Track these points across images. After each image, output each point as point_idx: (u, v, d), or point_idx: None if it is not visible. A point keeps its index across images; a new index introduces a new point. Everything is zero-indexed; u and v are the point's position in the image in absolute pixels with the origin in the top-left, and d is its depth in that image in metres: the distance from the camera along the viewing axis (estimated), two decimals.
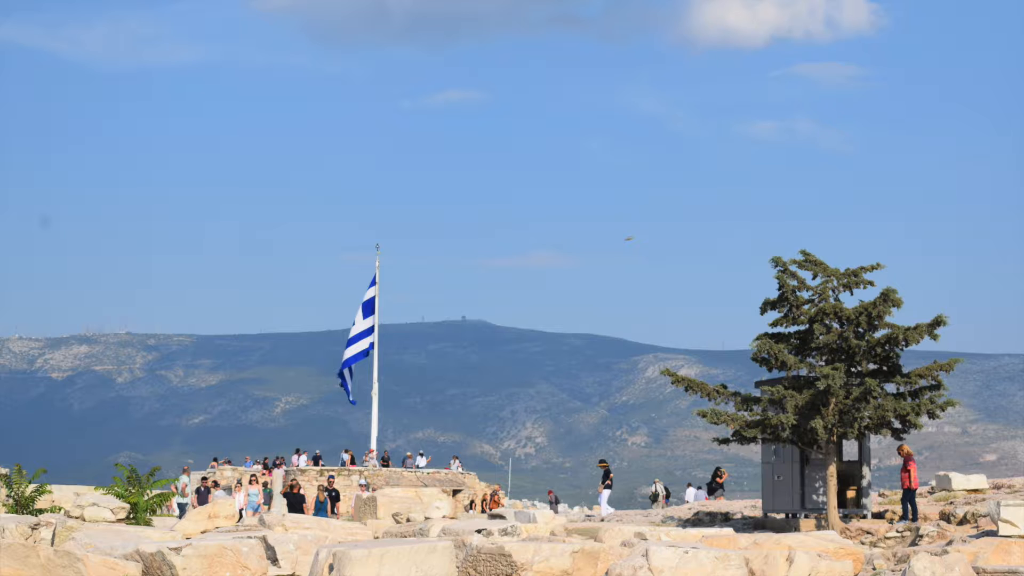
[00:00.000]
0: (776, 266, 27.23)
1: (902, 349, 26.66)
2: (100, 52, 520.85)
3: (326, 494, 36.53)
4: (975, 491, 29.75)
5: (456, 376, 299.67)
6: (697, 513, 31.19)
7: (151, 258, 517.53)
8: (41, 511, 26.39)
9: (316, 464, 55.21)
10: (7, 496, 29.34)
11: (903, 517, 26.43)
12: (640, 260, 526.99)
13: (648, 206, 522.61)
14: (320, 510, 35.54)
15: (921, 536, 24.88)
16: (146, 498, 29.49)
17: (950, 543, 22.66)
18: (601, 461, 41.30)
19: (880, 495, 32.34)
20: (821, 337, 26.71)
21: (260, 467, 56.86)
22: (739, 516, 30.20)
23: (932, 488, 31.55)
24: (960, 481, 30.34)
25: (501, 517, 25.57)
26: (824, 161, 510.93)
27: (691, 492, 45.36)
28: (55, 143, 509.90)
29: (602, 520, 32.39)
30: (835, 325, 26.81)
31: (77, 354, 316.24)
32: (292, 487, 36.22)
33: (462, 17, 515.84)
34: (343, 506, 41.11)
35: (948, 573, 17.54)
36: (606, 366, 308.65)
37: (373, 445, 55.35)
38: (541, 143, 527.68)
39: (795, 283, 27.14)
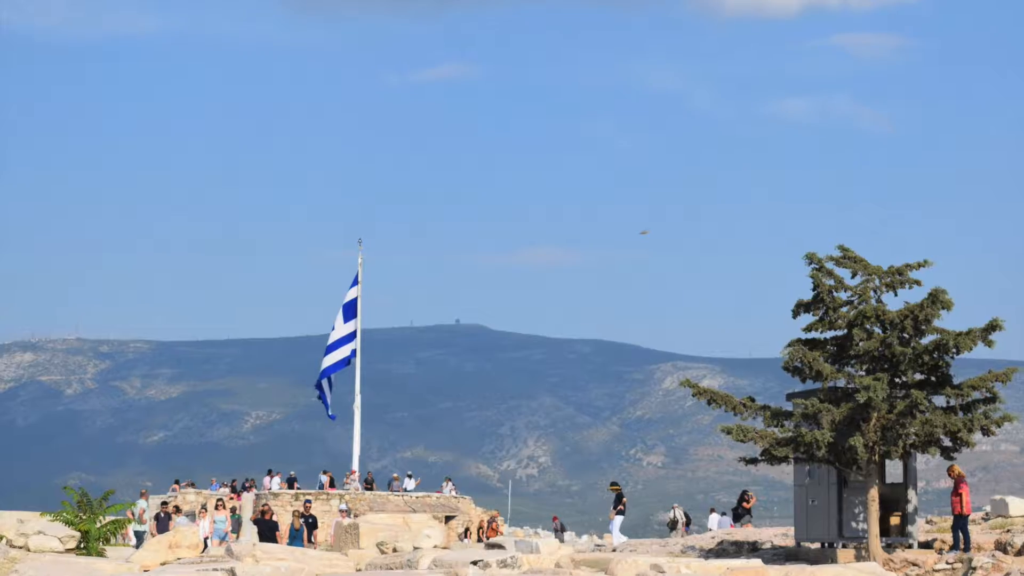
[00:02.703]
0: (810, 263, 27.26)
1: (953, 357, 26.67)
2: (47, 20, 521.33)
3: (302, 521, 36.58)
4: None
5: (449, 388, 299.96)
6: (721, 542, 31.23)
7: (103, 254, 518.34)
8: None
9: (291, 487, 55.29)
10: None
11: (954, 547, 26.46)
12: (656, 256, 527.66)
13: (665, 195, 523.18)
14: (295, 539, 35.58)
15: (974, 568, 24.91)
16: (99, 525, 29.55)
17: None
18: (613, 484, 41.34)
19: (928, 522, 32.37)
20: (861, 343, 26.74)
21: (227, 490, 56.95)
22: (768, 546, 30.25)
23: (987, 514, 31.57)
24: (1018, 506, 30.35)
25: (500, 547, 25.61)
26: (864, 144, 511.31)
27: (714, 518, 45.45)
28: None
29: (614, 550, 32.42)
30: (877, 330, 26.84)
31: (20, 362, 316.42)
32: (264, 513, 36.27)
33: None
34: (321, 534, 41.16)
35: None
36: (618, 376, 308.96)
37: (355, 466, 55.41)
38: (544, 124, 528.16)
39: (832, 282, 27.17)
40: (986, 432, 26.44)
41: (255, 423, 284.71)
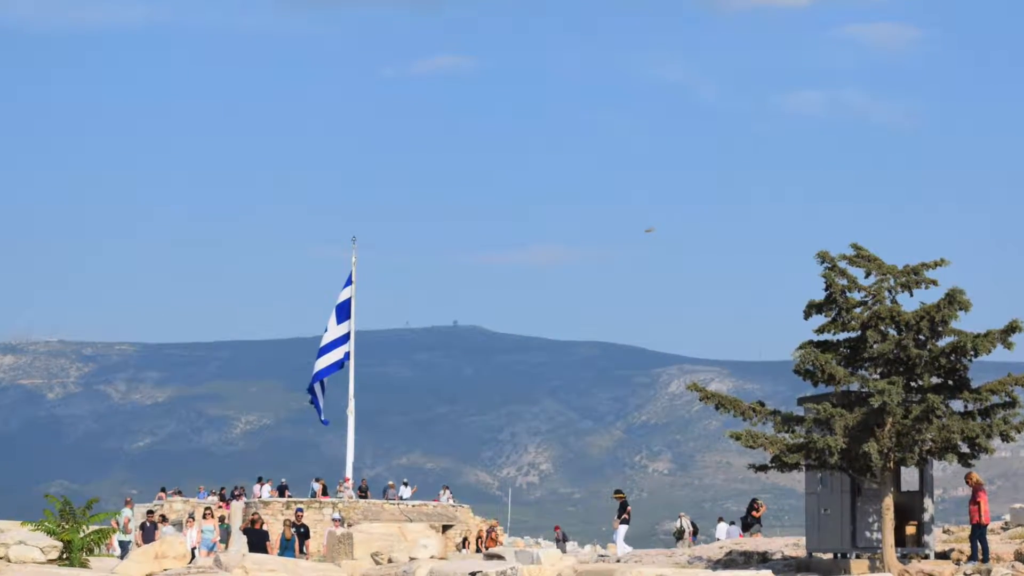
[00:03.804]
0: (822, 262, 27.29)
1: (971, 360, 26.69)
2: (25, 10, 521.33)
3: (293, 530, 36.64)
4: None
5: (446, 392, 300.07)
6: (730, 552, 31.26)
7: (86, 252, 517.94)
8: None
9: (282, 495, 55.30)
10: None
11: (972, 557, 26.48)
12: (662, 255, 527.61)
13: (671, 191, 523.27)
14: (286, 549, 35.62)
15: None
16: (82, 535, 29.53)
17: None
18: (617, 492, 41.43)
19: (944, 531, 32.40)
20: (875, 346, 26.76)
21: (216, 499, 56.96)
22: (779, 556, 30.27)
23: (1006, 523, 31.59)
24: None
25: (499, 557, 25.65)
26: (879, 139, 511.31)
27: (722, 528, 45.58)
28: None
29: (618, 561, 32.47)
30: (892, 332, 26.86)
31: (0, 365, 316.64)
32: (253, 522, 36.30)
33: None
34: (313, 544, 41.21)
35: None
36: (622, 380, 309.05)
37: (349, 473, 55.42)
38: (545, 118, 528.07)
39: (845, 282, 27.20)
40: (1005, 438, 26.46)
41: (245, 428, 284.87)
